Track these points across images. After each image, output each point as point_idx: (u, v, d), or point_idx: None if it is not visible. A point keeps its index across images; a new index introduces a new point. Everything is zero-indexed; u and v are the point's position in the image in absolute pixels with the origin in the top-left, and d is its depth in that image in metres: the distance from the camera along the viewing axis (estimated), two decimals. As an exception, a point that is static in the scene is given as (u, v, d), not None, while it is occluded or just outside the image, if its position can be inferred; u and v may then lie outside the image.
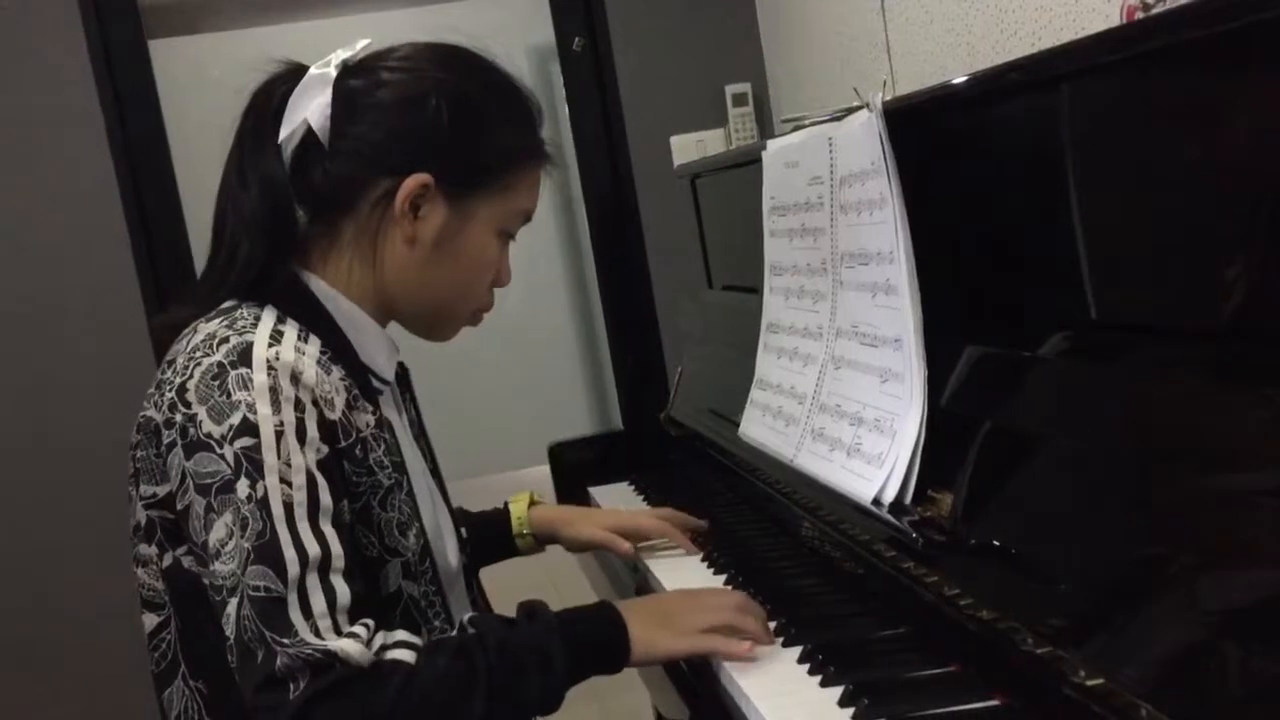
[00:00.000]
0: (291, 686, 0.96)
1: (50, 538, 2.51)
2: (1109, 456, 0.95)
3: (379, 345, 1.21)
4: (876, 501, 1.19)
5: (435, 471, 1.35)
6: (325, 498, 1.04)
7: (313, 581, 1.00)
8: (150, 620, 1.15)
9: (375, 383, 1.19)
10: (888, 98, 1.23)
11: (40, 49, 2.47)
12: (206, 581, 1.05)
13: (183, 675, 1.13)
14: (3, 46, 2.46)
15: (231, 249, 1.16)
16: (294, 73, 1.19)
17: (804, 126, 1.45)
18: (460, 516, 1.53)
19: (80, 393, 2.51)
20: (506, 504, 1.58)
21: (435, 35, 1.26)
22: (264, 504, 1.00)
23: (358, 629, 1.01)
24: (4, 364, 2.49)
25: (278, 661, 0.96)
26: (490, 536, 1.55)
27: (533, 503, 1.58)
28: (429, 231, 1.17)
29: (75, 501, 2.50)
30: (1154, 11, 1.14)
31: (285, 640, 0.97)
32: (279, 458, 1.02)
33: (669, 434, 1.99)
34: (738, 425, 1.60)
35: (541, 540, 1.57)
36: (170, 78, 2.67)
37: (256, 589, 0.98)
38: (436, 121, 1.16)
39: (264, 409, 1.03)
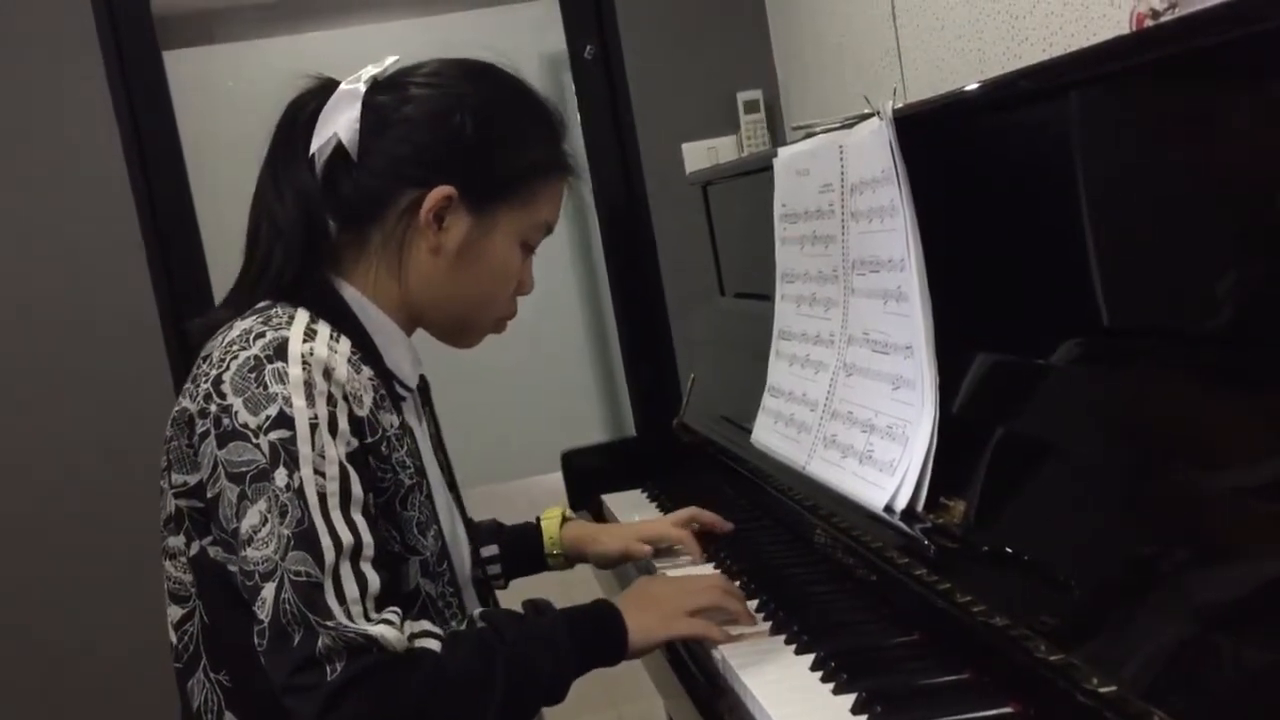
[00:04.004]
0: (328, 668, 0.99)
1: (64, 540, 2.51)
2: (1121, 463, 0.95)
3: (404, 353, 1.24)
4: (889, 508, 1.20)
5: (452, 485, 1.36)
6: (356, 489, 1.07)
7: (346, 569, 1.03)
8: (175, 612, 1.17)
9: (399, 389, 1.21)
10: (899, 105, 1.24)
11: (55, 60, 2.48)
12: (234, 569, 1.07)
13: (204, 667, 1.14)
14: (17, 57, 2.47)
15: (266, 256, 1.19)
16: (325, 87, 1.22)
17: (815, 134, 1.45)
18: (493, 528, 1.56)
19: (96, 402, 2.52)
20: (539, 519, 1.58)
21: (445, 44, 1.28)
22: (300, 493, 1.03)
23: (390, 615, 1.05)
24: (20, 371, 2.50)
25: (319, 642, 0.99)
26: (523, 551, 1.56)
27: (565, 519, 1.58)
28: (453, 242, 1.20)
29: (89, 505, 2.51)
30: (1163, 19, 1.14)
31: (328, 623, 1.00)
32: (313, 449, 1.05)
33: (681, 441, 1.99)
34: (750, 432, 1.60)
35: (572, 560, 1.57)
36: (184, 88, 2.68)
37: (297, 574, 1.01)
38: (461, 135, 1.19)
39: (299, 402, 1.06)
